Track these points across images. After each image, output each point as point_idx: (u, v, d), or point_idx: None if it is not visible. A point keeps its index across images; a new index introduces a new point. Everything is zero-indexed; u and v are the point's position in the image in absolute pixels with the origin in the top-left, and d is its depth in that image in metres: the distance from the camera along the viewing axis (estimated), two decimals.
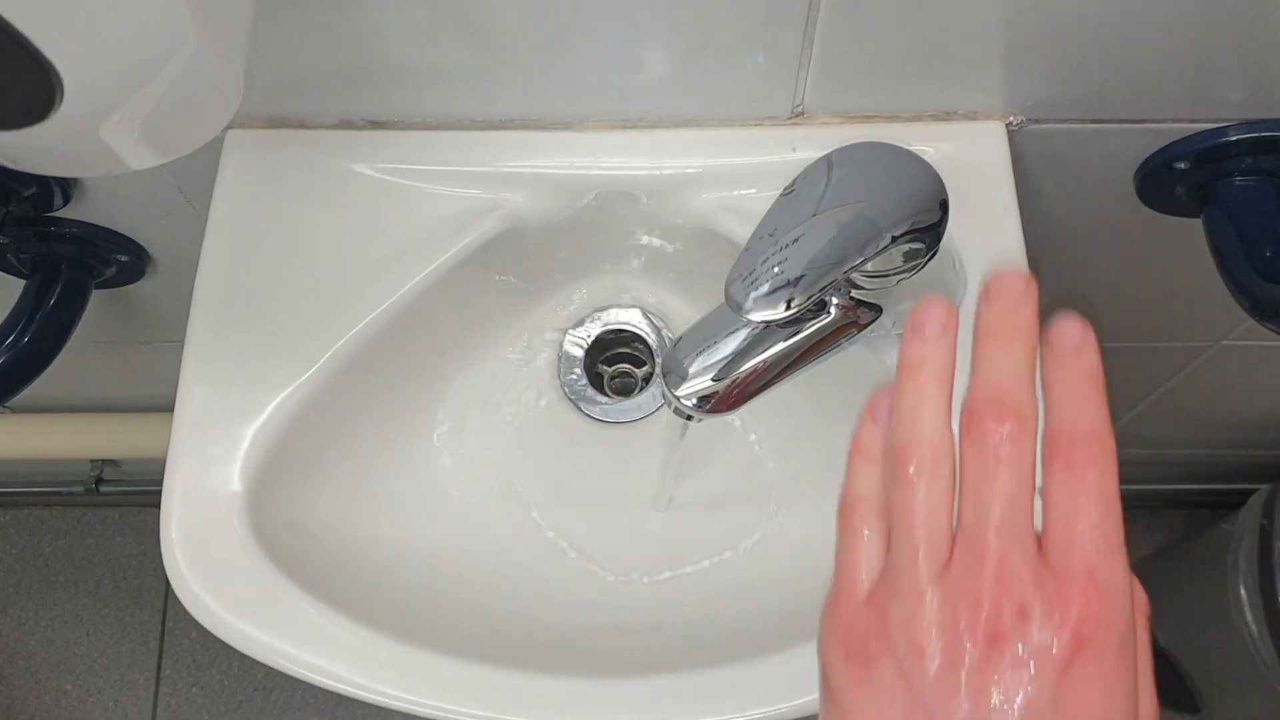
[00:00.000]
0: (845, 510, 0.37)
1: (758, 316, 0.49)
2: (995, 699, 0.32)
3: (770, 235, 0.50)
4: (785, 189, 0.52)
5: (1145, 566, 1.53)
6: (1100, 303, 0.90)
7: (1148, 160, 0.69)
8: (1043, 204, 0.73)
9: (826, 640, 0.36)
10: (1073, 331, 0.35)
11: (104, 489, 1.46)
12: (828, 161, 0.52)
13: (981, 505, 0.33)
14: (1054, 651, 0.32)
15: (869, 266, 0.50)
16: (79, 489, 1.47)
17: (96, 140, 0.43)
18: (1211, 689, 1.34)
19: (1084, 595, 0.32)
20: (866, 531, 0.36)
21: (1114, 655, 0.32)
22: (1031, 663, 0.32)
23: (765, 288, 0.49)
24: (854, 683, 0.34)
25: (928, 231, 0.51)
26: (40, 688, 1.58)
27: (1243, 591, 1.14)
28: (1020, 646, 0.32)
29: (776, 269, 0.49)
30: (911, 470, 0.34)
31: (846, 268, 0.49)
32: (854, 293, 0.55)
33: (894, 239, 0.50)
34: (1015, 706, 0.31)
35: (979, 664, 0.32)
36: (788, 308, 0.48)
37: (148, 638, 1.60)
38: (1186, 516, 1.56)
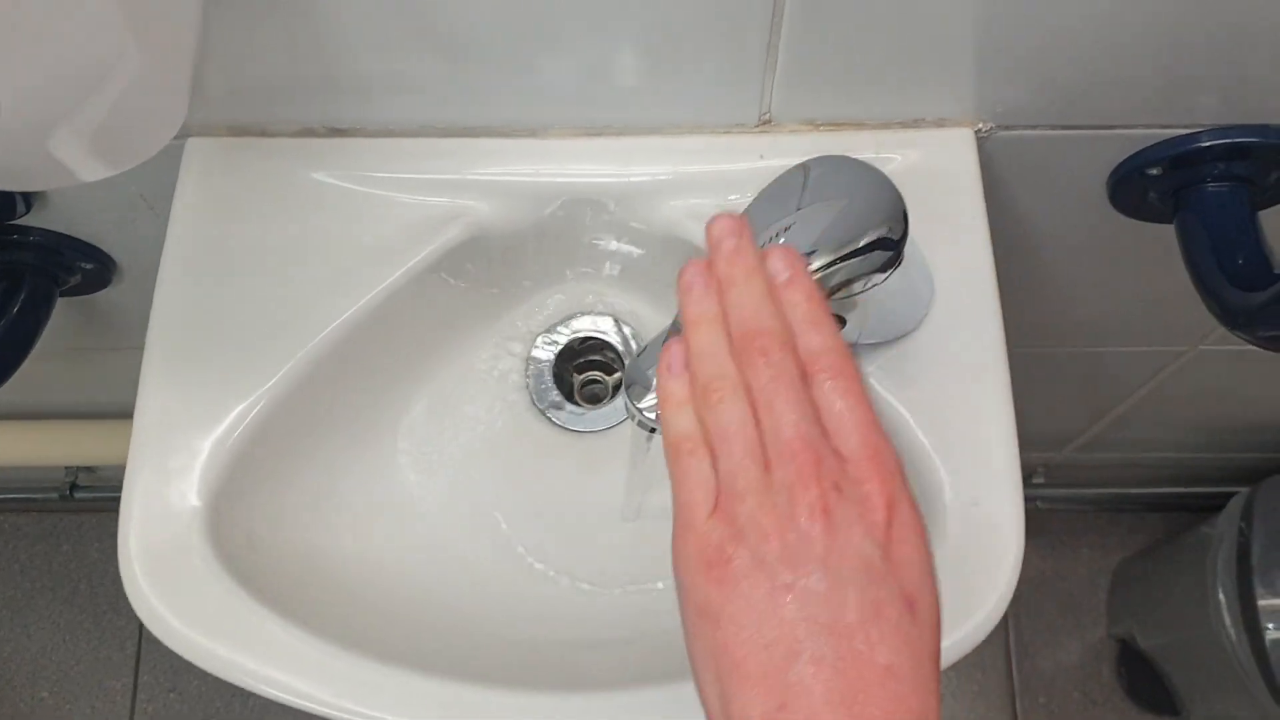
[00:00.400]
0: (673, 448, 0.42)
1: None
2: (839, 563, 0.37)
3: None
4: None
5: (1125, 569, 1.53)
6: (1075, 307, 0.90)
7: (1120, 166, 0.68)
8: (1015, 210, 0.72)
9: (683, 563, 0.40)
10: (779, 266, 0.44)
11: (79, 495, 1.46)
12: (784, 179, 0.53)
13: (776, 414, 0.40)
14: (875, 516, 0.39)
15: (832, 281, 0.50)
16: (53, 495, 1.46)
17: (42, 154, 0.42)
18: (1191, 691, 1.35)
19: (876, 469, 0.39)
20: (695, 461, 0.41)
21: (910, 512, 0.40)
22: (859, 528, 0.38)
23: None
24: (717, 585, 0.38)
25: (885, 245, 0.51)
26: (16, 695, 1.57)
27: (1221, 595, 1.15)
28: (847, 516, 0.38)
29: None
30: (718, 400, 0.41)
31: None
32: None
33: (853, 252, 0.49)
34: (856, 566, 0.37)
35: (822, 536, 0.38)
36: None
37: (125, 644, 1.59)
38: (1166, 520, 1.56)
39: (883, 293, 0.54)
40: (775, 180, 0.53)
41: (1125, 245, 0.78)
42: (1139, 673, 1.47)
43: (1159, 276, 0.81)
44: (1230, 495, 1.22)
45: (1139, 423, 1.18)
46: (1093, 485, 1.49)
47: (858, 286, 0.52)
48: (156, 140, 0.45)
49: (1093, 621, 1.55)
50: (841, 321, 0.56)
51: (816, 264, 0.49)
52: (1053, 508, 1.49)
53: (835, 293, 0.52)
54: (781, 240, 0.50)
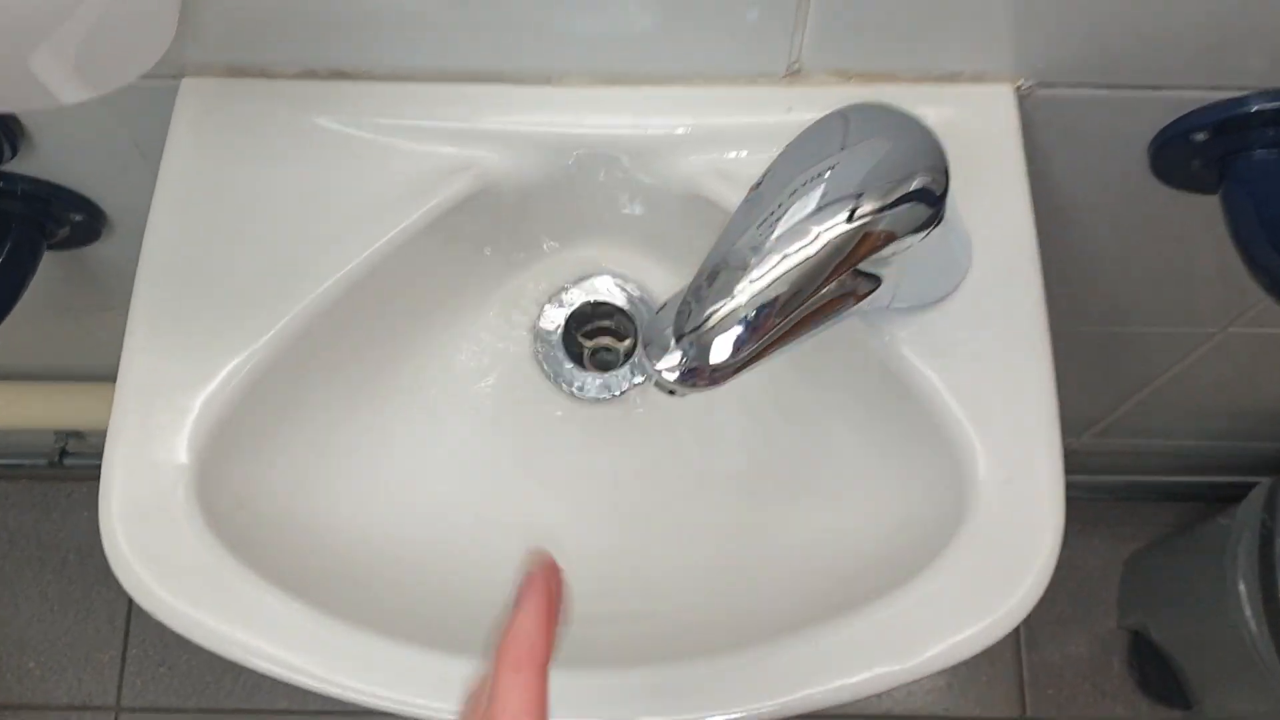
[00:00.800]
0: None
1: None
2: None
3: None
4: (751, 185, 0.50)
5: (1139, 560, 1.51)
6: (1104, 283, 0.87)
7: (1164, 130, 0.66)
8: (1052, 175, 0.69)
9: None
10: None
11: (68, 462, 1.43)
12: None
13: None
14: None
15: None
16: (42, 462, 1.43)
17: (21, 70, 0.39)
18: (1204, 684, 1.34)
19: None
20: None
21: None
22: None
23: None
24: None
25: (928, 199, 0.48)
26: (2, 665, 1.55)
27: (1242, 587, 1.13)
28: None
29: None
30: None
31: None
32: None
33: (902, 197, 0.47)
34: None
35: None
36: None
37: (114, 616, 1.57)
38: (1179, 511, 1.54)
39: (919, 255, 0.51)
40: (809, 128, 0.50)
41: (1164, 218, 0.75)
42: (1150, 665, 1.46)
43: (1194, 253, 0.79)
44: (1249, 486, 1.20)
45: (1161, 408, 1.16)
46: (1108, 472, 1.46)
47: (894, 246, 0.50)
48: (142, 61, 0.42)
49: (1104, 613, 1.53)
50: (876, 283, 0.53)
51: (865, 208, 0.46)
52: (1066, 495, 1.47)
53: (872, 251, 0.49)
54: (824, 182, 0.47)
